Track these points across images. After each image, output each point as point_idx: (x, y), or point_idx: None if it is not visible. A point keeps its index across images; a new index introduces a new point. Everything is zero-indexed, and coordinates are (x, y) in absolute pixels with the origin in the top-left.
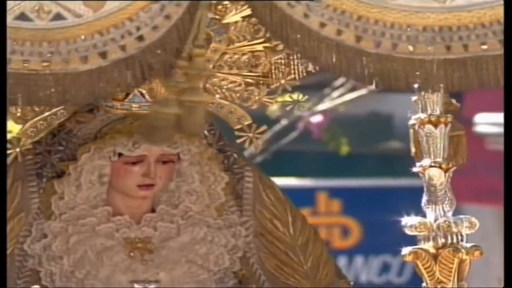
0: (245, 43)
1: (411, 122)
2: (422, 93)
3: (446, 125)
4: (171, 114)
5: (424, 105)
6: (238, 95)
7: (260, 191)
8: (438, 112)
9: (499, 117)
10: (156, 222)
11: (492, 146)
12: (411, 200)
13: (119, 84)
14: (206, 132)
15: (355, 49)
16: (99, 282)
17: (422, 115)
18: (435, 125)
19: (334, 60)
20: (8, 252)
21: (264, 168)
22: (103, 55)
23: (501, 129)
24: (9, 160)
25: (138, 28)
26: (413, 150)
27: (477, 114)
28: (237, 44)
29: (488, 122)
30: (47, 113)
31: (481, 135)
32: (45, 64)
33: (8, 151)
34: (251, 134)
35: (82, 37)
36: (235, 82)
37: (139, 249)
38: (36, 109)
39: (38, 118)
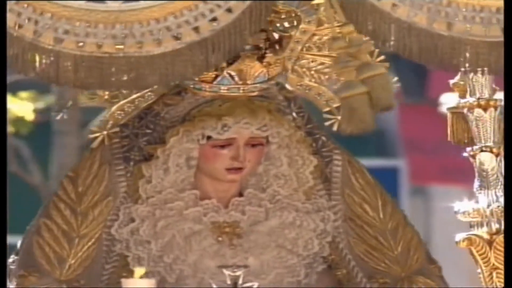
0: (335, 24)
1: (450, 106)
2: (470, 76)
3: (495, 108)
4: (361, 94)
5: (472, 88)
6: (326, 77)
7: (349, 174)
8: (486, 96)
9: None
10: (244, 206)
11: None
12: (380, 180)
13: (192, 67)
14: (295, 114)
15: (427, 31)
16: (187, 267)
17: (471, 99)
18: (485, 109)
19: (405, 42)
20: (96, 236)
21: None
22: (177, 37)
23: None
24: (96, 143)
25: (211, 10)
26: (450, 134)
27: (443, 94)
28: (326, 25)
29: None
30: (134, 96)
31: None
32: (118, 47)
33: (95, 134)
34: (339, 117)
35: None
36: (324, 63)
37: (227, 233)
38: (124, 91)
39: (126, 100)
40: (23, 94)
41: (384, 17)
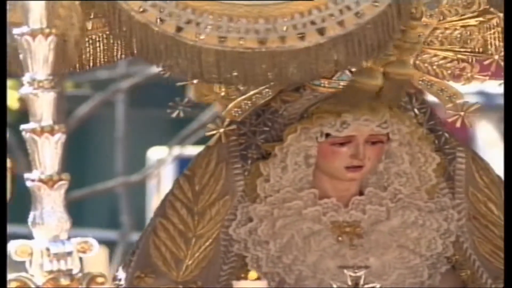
0: (457, 17)
1: None
2: None
3: None
4: (373, 85)
5: None
6: (449, 71)
7: (473, 172)
8: None
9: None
10: (364, 205)
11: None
12: None
13: (336, 62)
14: (416, 110)
15: None
16: (306, 268)
17: None
18: None
19: None
20: (213, 236)
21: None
22: (321, 31)
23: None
24: (212, 141)
25: (357, 3)
26: None
27: None
28: (449, 19)
29: None
30: (251, 92)
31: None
32: (261, 41)
33: (212, 132)
34: (462, 113)
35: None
36: (446, 58)
37: (348, 233)
38: (241, 88)
39: (243, 97)
40: (8, 82)
41: None
